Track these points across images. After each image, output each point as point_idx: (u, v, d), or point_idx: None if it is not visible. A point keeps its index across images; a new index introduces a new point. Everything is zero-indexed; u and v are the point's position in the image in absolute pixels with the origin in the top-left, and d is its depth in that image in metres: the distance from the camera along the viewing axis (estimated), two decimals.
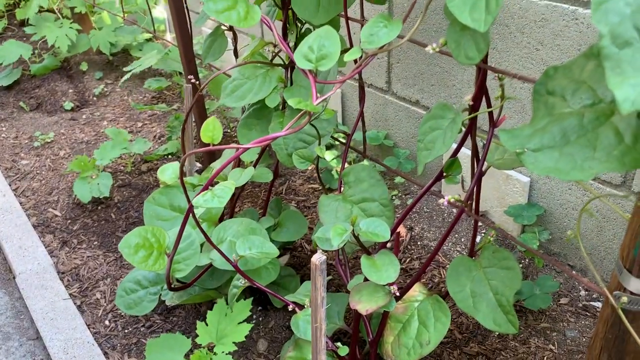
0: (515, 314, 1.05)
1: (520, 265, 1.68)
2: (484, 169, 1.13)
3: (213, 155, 2.05)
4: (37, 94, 3.01)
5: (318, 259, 0.93)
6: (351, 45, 1.25)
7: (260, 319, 1.60)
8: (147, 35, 3.23)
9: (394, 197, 2.02)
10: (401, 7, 1.85)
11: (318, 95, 0.98)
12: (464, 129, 1.06)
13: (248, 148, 0.90)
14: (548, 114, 0.78)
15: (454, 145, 1.09)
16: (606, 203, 1.06)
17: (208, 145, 1.22)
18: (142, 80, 3.04)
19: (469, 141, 1.08)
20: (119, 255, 1.89)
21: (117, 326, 1.63)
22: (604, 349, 0.93)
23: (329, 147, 2.30)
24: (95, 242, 1.96)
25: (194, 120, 1.96)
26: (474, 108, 1.00)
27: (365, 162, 2.04)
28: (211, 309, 1.40)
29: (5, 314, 1.73)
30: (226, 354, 1.30)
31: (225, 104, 1.30)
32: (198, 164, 1.60)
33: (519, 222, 1.64)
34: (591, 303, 1.55)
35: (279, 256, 1.71)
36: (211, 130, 0.97)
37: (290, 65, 1.40)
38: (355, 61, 1.13)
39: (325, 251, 1.37)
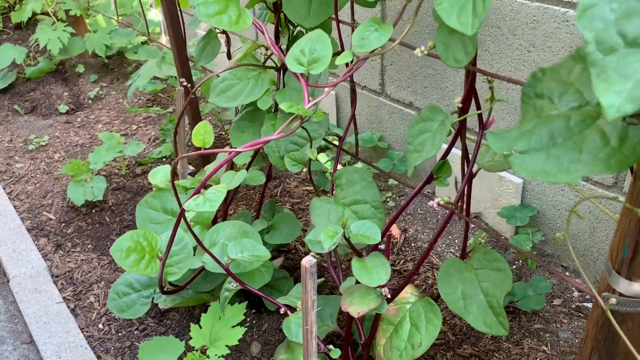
0: (506, 316, 1.06)
1: (514, 266, 1.68)
2: (475, 171, 1.14)
3: (207, 158, 2.05)
4: (32, 97, 3.01)
5: (308, 261, 0.93)
6: (342, 48, 1.26)
7: (254, 321, 1.60)
8: (142, 38, 3.23)
9: (388, 199, 2.03)
10: (394, 10, 1.85)
11: (310, 98, 0.98)
12: (454, 131, 1.06)
13: (239, 152, 0.91)
14: (536, 116, 0.78)
15: (445, 147, 1.09)
16: (596, 204, 1.06)
17: (200, 148, 1.23)
18: None
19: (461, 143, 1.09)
20: (113, 258, 1.89)
21: (111, 329, 1.62)
22: (595, 349, 0.93)
23: (323, 150, 2.30)
24: (90, 246, 1.96)
25: (187, 122, 1.96)
26: (463, 110, 1.00)
27: (359, 164, 2.05)
28: (205, 312, 1.40)
29: None
30: (219, 357, 1.30)
31: (215, 104, 1.30)
32: (191, 167, 1.60)
33: (512, 223, 1.64)
34: (584, 304, 1.56)
35: (273, 259, 1.71)
36: (202, 134, 0.98)
37: (283, 68, 1.40)
38: (348, 64, 1.13)
39: (319, 254, 1.37)
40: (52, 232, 2.03)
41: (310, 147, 1.28)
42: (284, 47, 1.43)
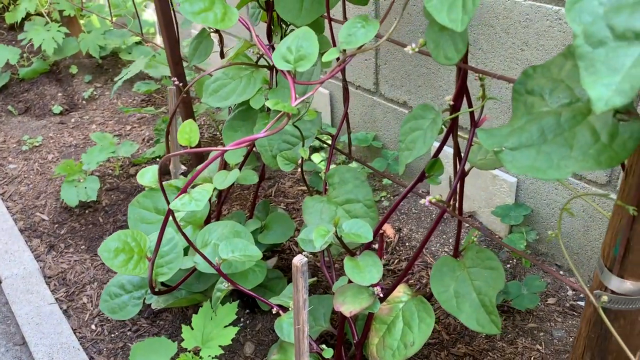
0: (498, 314, 1.05)
1: (508, 265, 1.68)
2: (467, 169, 1.13)
3: (201, 158, 2.04)
4: (26, 98, 2.99)
5: (299, 260, 0.92)
6: (335, 46, 1.25)
7: (248, 322, 1.59)
8: (137, 39, 3.22)
9: (382, 199, 2.02)
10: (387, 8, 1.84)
11: (297, 96, 0.98)
12: (446, 129, 1.05)
13: (226, 150, 0.90)
14: (527, 113, 0.78)
15: (438, 146, 1.09)
16: (589, 203, 1.06)
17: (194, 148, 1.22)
18: (132, 84, 3.03)
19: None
20: None
21: (104, 330, 1.61)
22: (587, 348, 0.93)
23: (317, 150, 2.29)
24: (83, 246, 1.95)
25: (182, 122, 1.95)
26: (455, 108, 1.00)
27: (353, 164, 2.04)
28: (197, 314, 1.39)
29: None
30: (212, 357, 1.29)
31: (207, 103, 1.30)
32: (183, 167, 1.59)
33: (505, 222, 1.64)
34: (578, 303, 1.55)
35: (267, 259, 1.70)
36: (188, 133, 0.97)
37: (275, 67, 1.39)
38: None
39: (313, 253, 1.36)
40: (45, 233, 2.02)
41: (303, 145, 1.28)
42: (277, 46, 1.42)
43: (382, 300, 1.18)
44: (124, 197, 2.18)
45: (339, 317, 1.28)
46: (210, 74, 1.36)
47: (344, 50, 1.02)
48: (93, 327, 1.63)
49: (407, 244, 1.82)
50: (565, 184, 1.07)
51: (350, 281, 1.11)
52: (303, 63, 0.98)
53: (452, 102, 0.99)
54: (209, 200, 1.54)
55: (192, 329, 1.35)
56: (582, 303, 1.55)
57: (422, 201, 0.97)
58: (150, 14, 3.42)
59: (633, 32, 0.53)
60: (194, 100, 2.59)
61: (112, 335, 1.60)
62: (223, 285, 1.23)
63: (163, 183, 1.11)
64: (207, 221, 1.52)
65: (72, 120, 2.80)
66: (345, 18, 1.28)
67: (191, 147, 0.98)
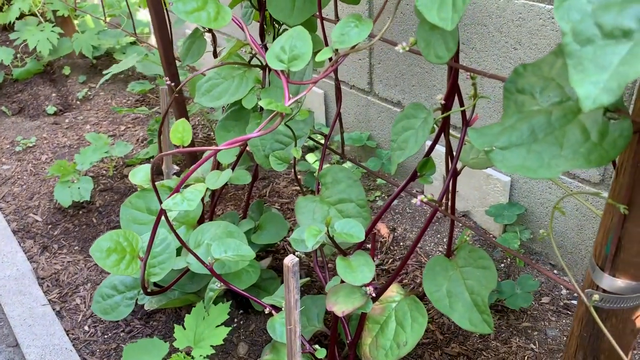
0: (490, 314, 1.05)
1: (502, 264, 1.68)
2: (459, 168, 1.13)
3: (194, 158, 2.04)
4: (20, 99, 2.98)
5: (290, 260, 0.92)
6: (327, 46, 1.25)
7: (241, 322, 1.59)
8: (131, 39, 3.22)
9: (377, 198, 2.02)
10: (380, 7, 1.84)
11: (290, 96, 0.97)
12: (437, 128, 1.05)
13: (219, 150, 0.89)
14: (517, 112, 0.78)
15: (430, 145, 1.08)
16: (582, 202, 1.07)
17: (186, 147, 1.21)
18: (126, 84, 3.02)
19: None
20: None
21: (97, 332, 1.61)
22: (580, 347, 0.93)
23: (312, 149, 2.29)
24: (76, 247, 1.94)
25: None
26: (446, 107, 1.00)
27: (348, 163, 2.04)
28: (190, 314, 1.38)
29: None
30: (204, 357, 1.28)
31: (200, 103, 1.29)
32: (176, 167, 1.59)
33: (499, 221, 1.64)
34: (572, 302, 1.55)
35: (261, 259, 1.70)
36: (180, 132, 0.96)
37: (268, 66, 1.39)
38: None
39: (307, 254, 1.36)
40: (38, 234, 2.01)
41: (295, 145, 1.27)
42: (270, 45, 1.42)
43: (374, 300, 1.18)
44: (118, 198, 2.17)
45: (332, 317, 1.27)
46: (203, 74, 1.35)
47: (337, 50, 1.01)
48: (86, 328, 1.62)
49: (401, 243, 1.81)
50: (558, 182, 1.07)
51: (342, 281, 1.11)
52: (297, 63, 0.98)
53: (443, 101, 0.99)
54: (203, 200, 1.53)
55: (185, 328, 1.34)
56: (575, 302, 1.55)
57: (414, 201, 0.96)
58: (144, 14, 3.41)
59: (621, 30, 0.52)
60: (188, 100, 2.59)
61: (105, 336, 1.59)
62: (216, 285, 1.23)
63: (156, 183, 1.11)
64: (201, 221, 1.52)
65: (66, 120, 2.79)
66: (337, 17, 1.27)
67: (184, 147, 0.97)
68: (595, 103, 0.52)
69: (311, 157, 2.18)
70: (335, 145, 2.24)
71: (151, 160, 2.36)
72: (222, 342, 1.31)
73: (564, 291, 1.59)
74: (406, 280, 1.67)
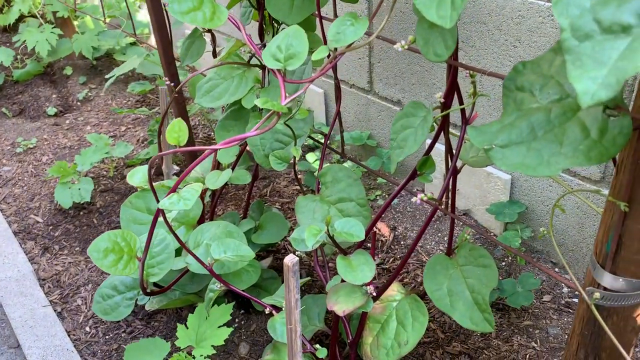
0: (492, 312, 1.05)
1: (503, 263, 1.67)
2: (459, 166, 1.13)
3: (195, 158, 2.03)
4: (20, 100, 2.98)
5: (290, 260, 0.92)
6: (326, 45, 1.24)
7: (243, 322, 1.59)
8: (131, 39, 3.21)
9: (377, 197, 2.01)
10: (380, 7, 1.84)
11: (287, 95, 0.97)
12: (437, 127, 1.05)
13: (217, 149, 0.89)
14: (517, 109, 0.77)
15: (429, 143, 1.08)
16: (580, 199, 1.06)
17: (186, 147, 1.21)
18: (126, 85, 3.02)
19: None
20: None
21: (98, 332, 1.61)
22: (581, 345, 0.92)
23: (312, 149, 2.29)
24: (77, 248, 1.94)
25: None
26: (445, 105, 0.99)
27: (348, 162, 2.03)
28: (192, 313, 1.38)
29: None
30: (205, 357, 1.28)
31: (200, 104, 1.29)
32: (176, 167, 1.59)
33: (500, 220, 1.63)
34: (573, 300, 1.55)
35: (262, 259, 1.70)
36: (176, 132, 0.96)
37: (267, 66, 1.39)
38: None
39: (307, 253, 1.36)
40: (39, 235, 2.01)
41: (295, 144, 1.27)
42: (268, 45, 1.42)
43: (375, 299, 1.18)
44: (119, 199, 2.17)
45: (333, 316, 1.27)
46: (203, 74, 1.35)
47: (335, 49, 1.01)
48: (87, 329, 1.62)
49: (402, 242, 1.81)
50: (559, 180, 1.06)
51: (343, 280, 1.11)
52: (293, 61, 0.98)
53: (443, 100, 0.99)
54: (203, 200, 1.53)
55: (187, 328, 1.34)
56: (577, 300, 1.55)
57: (414, 199, 0.96)
58: (144, 15, 3.41)
59: (620, 25, 0.52)
60: (188, 100, 2.59)
61: (107, 337, 1.59)
62: (215, 286, 1.23)
63: (155, 184, 1.11)
64: (201, 221, 1.52)
65: (67, 121, 2.79)
66: (335, 16, 1.27)
67: (181, 147, 0.97)
68: (594, 99, 0.51)
69: (311, 157, 2.18)
70: (335, 144, 2.23)
71: None
72: (223, 343, 1.31)
73: (565, 289, 1.59)
74: (407, 279, 1.67)
